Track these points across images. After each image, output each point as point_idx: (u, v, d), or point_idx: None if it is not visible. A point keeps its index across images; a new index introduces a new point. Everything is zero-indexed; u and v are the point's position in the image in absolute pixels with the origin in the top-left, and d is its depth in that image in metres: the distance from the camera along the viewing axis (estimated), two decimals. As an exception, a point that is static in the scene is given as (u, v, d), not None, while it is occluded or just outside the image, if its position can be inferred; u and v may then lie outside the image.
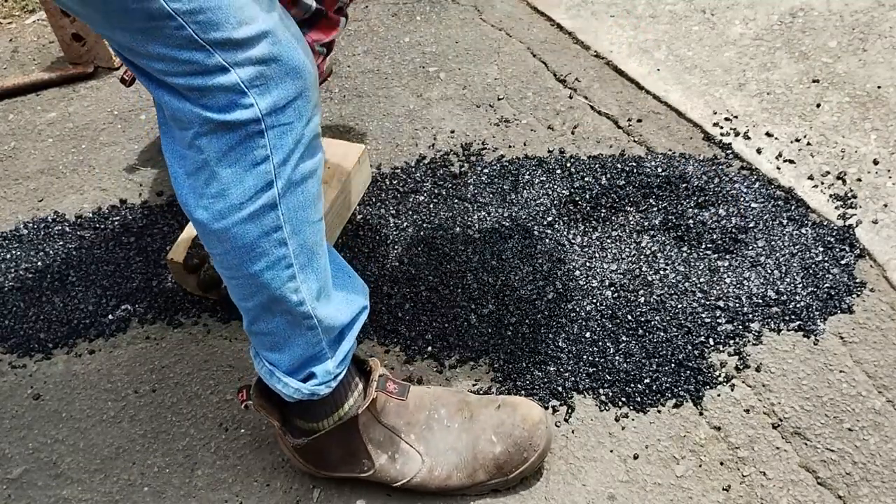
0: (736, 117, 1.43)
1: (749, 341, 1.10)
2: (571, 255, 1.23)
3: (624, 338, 1.12)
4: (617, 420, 1.04)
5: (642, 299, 1.16)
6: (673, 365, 1.08)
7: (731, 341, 1.10)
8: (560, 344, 1.12)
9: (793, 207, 1.26)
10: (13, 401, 1.16)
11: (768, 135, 1.39)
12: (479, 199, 1.35)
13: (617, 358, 1.10)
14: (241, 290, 0.83)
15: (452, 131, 1.49)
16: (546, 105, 1.52)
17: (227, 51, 0.69)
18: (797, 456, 0.99)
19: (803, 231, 1.22)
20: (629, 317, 1.14)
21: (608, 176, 1.34)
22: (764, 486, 0.97)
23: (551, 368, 1.10)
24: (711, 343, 1.11)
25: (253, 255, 0.79)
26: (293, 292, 0.82)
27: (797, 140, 1.37)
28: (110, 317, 1.25)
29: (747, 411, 1.03)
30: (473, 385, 1.10)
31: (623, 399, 1.06)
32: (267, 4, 0.72)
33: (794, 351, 1.09)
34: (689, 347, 1.10)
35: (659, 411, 1.05)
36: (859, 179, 1.29)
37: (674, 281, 1.18)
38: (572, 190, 1.33)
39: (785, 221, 1.24)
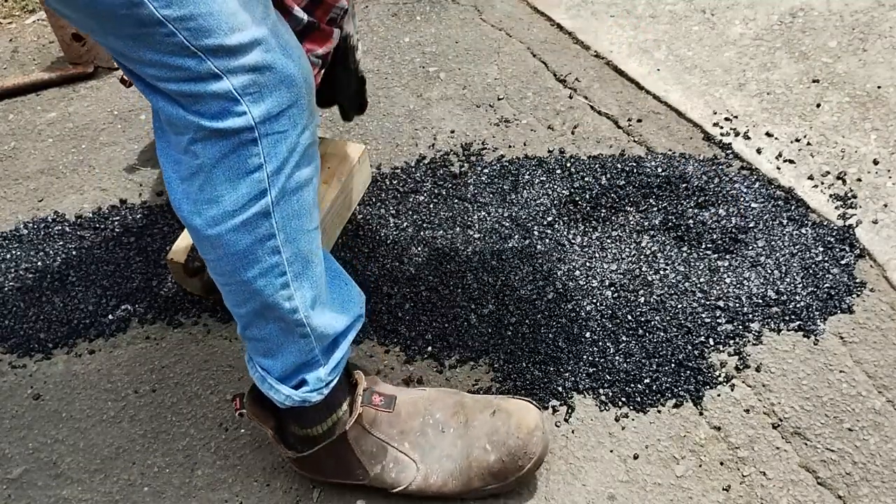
0: (736, 117, 1.43)
1: (749, 341, 1.10)
2: (571, 255, 1.23)
3: (624, 338, 1.12)
4: (617, 420, 1.04)
5: (642, 299, 1.16)
6: (673, 365, 1.08)
7: (731, 341, 1.10)
8: (560, 344, 1.12)
9: (793, 207, 1.26)
10: (13, 401, 1.16)
11: (768, 135, 1.39)
12: (479, 199, 1.35)
13: (617, 358, 1.10)
14: (235, 296, 0.83)
15: (452, 131, 1.49)
16: (546, 105, 1.52)
17: (219, 58, 0.68)
18: (797, 456, 0.99)
19: (803, 231, 1.22)
20: (629, 317, 1.14)
21: (608, 176, 1.34)
22: (764, 486, 0.97)
23: (551, 368, 1.10)
24: (711, 343, 1.11)
25: (246, 262, 0.78)
26: (286, 300, 0.82)
27: (797, 140, 1.37)
28: (110, 317, 1.25)
29: (747, 411, 1.03)
30: (473, 385, 1.10)
31: (623, 399, 1.06)
32: (261, 12, 0.72)
33: (794, 351, 1.09)
34: (689, 347, 1.10)
35: (659, 411, 1.05)
36: (859, 179, 1.29)
37: (674, 281, 1.18)
38: (572, 190, 1.33)
39: (785, 221, 1.24)
